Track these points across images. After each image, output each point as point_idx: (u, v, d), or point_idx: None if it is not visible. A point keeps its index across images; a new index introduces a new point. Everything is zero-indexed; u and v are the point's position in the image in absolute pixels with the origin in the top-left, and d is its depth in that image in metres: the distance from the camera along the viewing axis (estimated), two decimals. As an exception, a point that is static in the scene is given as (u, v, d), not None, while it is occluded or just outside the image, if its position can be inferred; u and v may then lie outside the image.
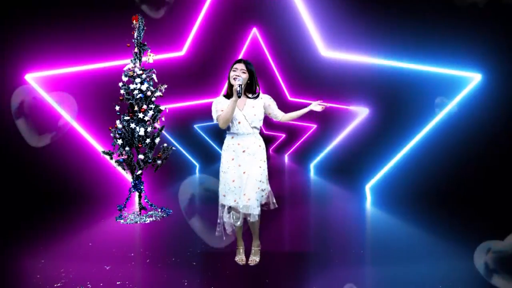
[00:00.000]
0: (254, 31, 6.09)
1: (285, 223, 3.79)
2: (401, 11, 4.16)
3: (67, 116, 4.63)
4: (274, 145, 15.48)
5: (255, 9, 5.44)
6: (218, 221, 2.54)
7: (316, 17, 4.70)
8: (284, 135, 13.51)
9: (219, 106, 2.47)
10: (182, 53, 5.41)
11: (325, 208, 4.57)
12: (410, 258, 2.70)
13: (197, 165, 8.44)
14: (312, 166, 8.78)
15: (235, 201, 2.43)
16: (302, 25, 4.84)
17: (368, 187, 5.22)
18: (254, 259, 2.58)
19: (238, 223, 2.45)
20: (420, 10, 4.06)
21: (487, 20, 3.80)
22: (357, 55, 4.81)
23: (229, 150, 2.50)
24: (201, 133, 9.54)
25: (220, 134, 11.41)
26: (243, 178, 2.44)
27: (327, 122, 7.84)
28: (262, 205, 2.52)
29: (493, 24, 3.81)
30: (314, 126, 9.44)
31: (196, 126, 9.07)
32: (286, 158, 12.63)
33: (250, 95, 2.52)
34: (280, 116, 2.62)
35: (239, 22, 5.74)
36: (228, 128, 2.50)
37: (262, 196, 2.50)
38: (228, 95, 2.49)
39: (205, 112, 7.89)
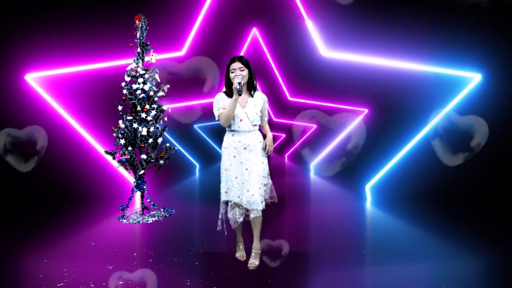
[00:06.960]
0: (254, 31, 6.09)
1: (286, 223, 3.80)
2: (402, 10, 4.18)
3: (67, 116, 4.63)
4: (274, 145, 15.47)
5: (255, 9, 5.44)
6: (220, 217, 2.59)
7: (316, 17, 4.71)
8: (284, 135, 13.50)
9: (221, 103, 2.47)
10: (182, 53, 5.41)
11: (325, 208, 4.58)
12: (411, 258, 2.72)
13: (197, 165, 8.44)
14: (312, 166, 8.78)
15: (239, 197, 2.45)
16: (302, 25, 4.85)
17: (368, 187, 5.24)
18: (254, 262, 2.52)
19: (241, 219, 2.48)
20: (420, 10, 4.08)
21: (488, 20, 3.81)
22: (357, 55, 4.82)
23: (230, 148, 2.51)
24: (201, 133, 9.54)
25: (220, 134, 11.43)
26: (245, 175, 2.46)
27: (327, 122, 7.85)
28: (265, 199, 2.55)
29: (494, 24, 3.83)
30: (314, 126, 9.45)
31: (196, 126, 9.07)
32: (286, 158, 12.63)
33: (252, 92, 2.53)
34: (263, 122, 2.68)
35: (239, 22, 5.74)
36: (229, 126, 2.50)
37: (265, 191, 2.53)
38: (228, 93, 2.50)
39: (206, 112, 7.92)
